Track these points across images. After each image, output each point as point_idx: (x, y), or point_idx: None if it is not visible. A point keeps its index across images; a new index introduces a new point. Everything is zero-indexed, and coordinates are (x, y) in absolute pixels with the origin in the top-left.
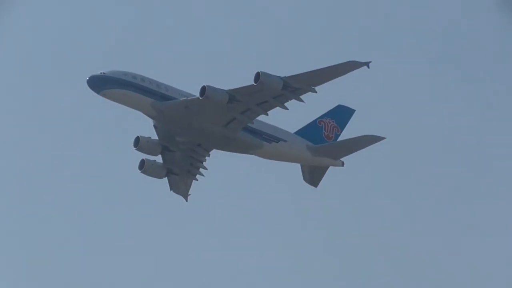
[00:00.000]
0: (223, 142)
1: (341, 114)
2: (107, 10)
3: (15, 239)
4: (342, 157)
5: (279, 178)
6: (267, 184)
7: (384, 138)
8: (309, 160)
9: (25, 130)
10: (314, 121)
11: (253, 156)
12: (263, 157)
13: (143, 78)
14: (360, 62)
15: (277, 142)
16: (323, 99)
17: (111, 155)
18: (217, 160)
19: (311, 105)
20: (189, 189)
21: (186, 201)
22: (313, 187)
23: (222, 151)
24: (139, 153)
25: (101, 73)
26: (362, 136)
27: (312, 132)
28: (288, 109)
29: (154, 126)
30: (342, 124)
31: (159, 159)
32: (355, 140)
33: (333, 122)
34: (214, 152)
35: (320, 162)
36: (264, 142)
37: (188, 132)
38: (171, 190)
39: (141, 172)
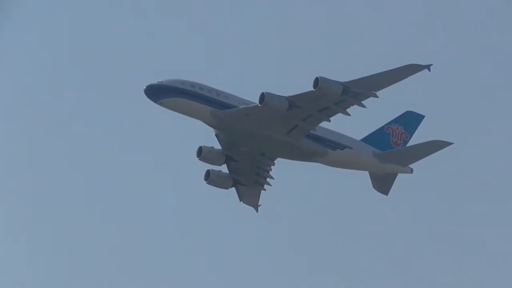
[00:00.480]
0: (287, 150)
1: (410, 120)
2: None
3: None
4: (410, 163)
5: (348, 186)
6: (336, 192)
7: (452, 143)
8: (376, 167)
9: (85, 141)
10: (382, 128)
11: (319, 164)
12: (328, 164)
13: (201, 87)
14: (421, 65)
15: (342, 149)
16: (389, 105)
17: (174, 166)
18: (283, 169)
19: (378, 112)
20: (258, 199)
21: (257, 211)
22: (384, 195)
23: (287, 160)
24: (203, 163)
25: (158, 82)
26: (429, 141)
27: (380, 139)
28: (350, 115)
29: (216, 135)
30: (410, 131)
31: (224, 169)
32: (422, 146)
33: (401, 128)
34: (279, 161)
35: (388, 169)
36: (328, 150)
37: (250, 141)
38: (240, 201)
39: (207, 182)
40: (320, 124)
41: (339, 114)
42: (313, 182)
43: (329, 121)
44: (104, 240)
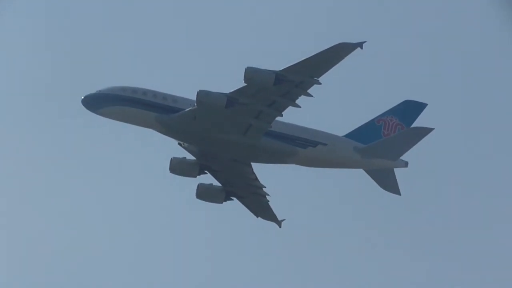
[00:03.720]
0: (252, 153)
1: (408, 110)
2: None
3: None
4: (397, 156)
5: (349, 187)
6: (343, 195)
7: (433, 129)
8: (361, 163)
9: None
10: (372, 121)
11: (297, 166)
12: (304, 165)
13: (145, 92)
14: (352, 44)
15: (314, 147)
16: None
17: (156, 184)
18: (272, 175)
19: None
20: (271, 212)
21: (280, 227)
22: (397, 195)
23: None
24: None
25: (97, 91)
26: (408, 129)
27: (369, 133)
28: (300, 107)
29: (178, 144)
30: (408, 121)
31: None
32: (401, 135)
33: (396, 119)
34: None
35: (376, 164)
36: (297, 148)
37: (210, 145)
38: (257, 217)
39: (197, 197)
40: (291, 121)
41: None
42: (315, 186)
43: (282, 115)
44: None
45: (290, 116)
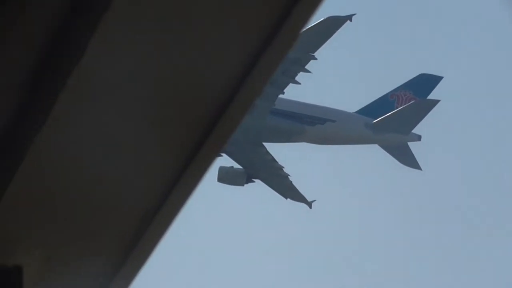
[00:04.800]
0: (258, 133)
1: (422, 84)
2: None
3: None
4: (409, 130)
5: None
6: (364, 172)
7: (438, 101)
8: (374, 139)
9: None
10: (385, 96)
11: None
12: (313, 142)
13: None
14: (341, 17)
15: (322, 124)
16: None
17: None
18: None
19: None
20: (299, 193)
21: (310, 207)
22: (418, 170)
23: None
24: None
25: None
26: (414, 103)
27: (382, 108)
28: (300, 83)
29: None
30: (423, 94)
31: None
32: (408, 108)
33: (410, 93)
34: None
35: (389, 139)
36: (305, 126)
37: None
38: (286, 198)
39: (218, 181)
40: (297, 99)
41: None
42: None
43: (283, 93)
44: None
45: (302, 94)
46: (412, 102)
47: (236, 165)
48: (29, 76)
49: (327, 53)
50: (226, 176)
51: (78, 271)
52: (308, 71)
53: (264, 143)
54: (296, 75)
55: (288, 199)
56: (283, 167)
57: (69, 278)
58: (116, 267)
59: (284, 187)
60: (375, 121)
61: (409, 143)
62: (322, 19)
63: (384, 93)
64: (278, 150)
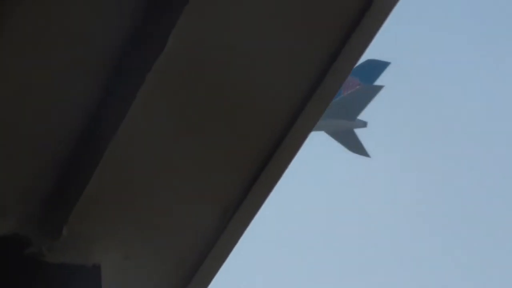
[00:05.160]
0: None
1: (370, 70)
2: None
3: None
4: (354, 116)
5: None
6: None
7: (383, 86)
8: (320, 125)
9: None
10: None
11: None
12: None
13: None
14: None
15: None
16: None
17: None
18: None
19: None
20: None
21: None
22: (366, 157)
23: None
24: None
25: None
26: (358, 88)
27: None
28: None
29: None
30: (370, 81)
31: None
32: (353, 95)
33: (356, 79)
34: None
35: (334, 125)
36: None
37: None
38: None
39: None
40: None
41: None
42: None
43: None
44: None
45: None
46: (357, 87)
47: None
48: (110, 72)
49: None
50: None
51: (156, 270)
52: None
53: None
54: None
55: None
56: None
57: (146, 277)
58: (194, 268)
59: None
60: None
61: (355, 130)
62: None
63: None
64: None
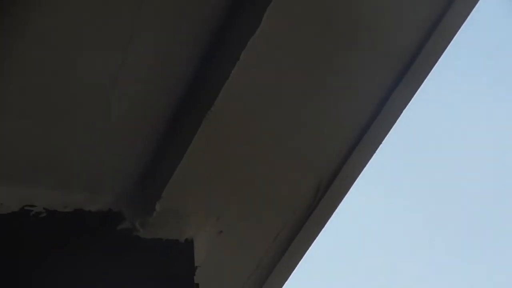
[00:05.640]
0: None
1: None
2: None
3: None
4: None
5: None
6: None
7: None
8: None
9: None
10: None
11: None
12: None
13: None
14: None
15: None
16: None
17: None
18: None
19: None
20: None
21: None
22: None
23: None
24: None
25: None
26: None
27: None
28: None
29: None
30: None
31: None
32: None
33: None
34: None
35: None
36: None
37: None
38: None
39: None
40: None
41: None
42: None
43: None
44: None
45: None
46: None
47: None
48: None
49: None
50: None
51: (250, 246)
52: None
53: None
54: None
55: None
56: None
57: (239, 252)
58: (287, 242)
59: None
60: None
61: None
62: None
63: None
64: None
